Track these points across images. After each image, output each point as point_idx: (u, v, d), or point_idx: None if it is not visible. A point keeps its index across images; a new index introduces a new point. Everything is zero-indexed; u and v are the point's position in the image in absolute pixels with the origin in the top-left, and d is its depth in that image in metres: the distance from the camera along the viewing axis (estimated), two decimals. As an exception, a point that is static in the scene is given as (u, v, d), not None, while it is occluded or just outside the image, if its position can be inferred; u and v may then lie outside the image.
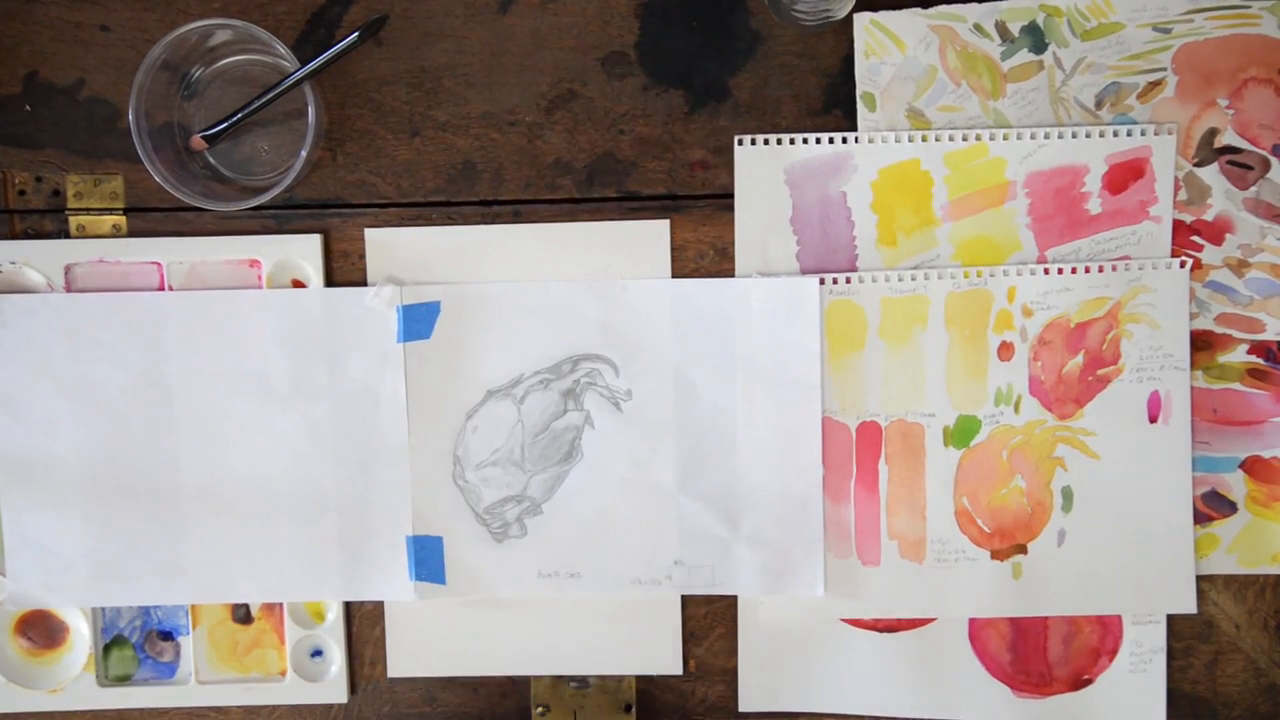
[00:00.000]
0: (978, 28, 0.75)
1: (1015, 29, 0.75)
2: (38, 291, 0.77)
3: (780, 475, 0.77)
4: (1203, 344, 0.77)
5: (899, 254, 0.77)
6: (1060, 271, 0.76)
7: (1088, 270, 0.76)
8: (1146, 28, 0.75)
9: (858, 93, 0.76)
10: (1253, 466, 0.77)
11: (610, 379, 0.78)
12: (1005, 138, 0.75)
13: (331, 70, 0.76)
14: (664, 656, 0.79)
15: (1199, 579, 0.78)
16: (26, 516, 0.78)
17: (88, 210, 0.78)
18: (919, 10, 0.75)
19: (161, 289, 0.78)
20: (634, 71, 0.77)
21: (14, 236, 0.78)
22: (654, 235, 0.77)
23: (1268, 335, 0.77)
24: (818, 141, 0.76)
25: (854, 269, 0.77)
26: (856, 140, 0.76)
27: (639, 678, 0.80)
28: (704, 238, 0.77)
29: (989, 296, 0.76)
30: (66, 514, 0.78)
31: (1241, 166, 0.76)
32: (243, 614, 0.80)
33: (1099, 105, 0.76)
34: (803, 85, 0.77)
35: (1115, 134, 0.75)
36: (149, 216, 0.78)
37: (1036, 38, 0.75)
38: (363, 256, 0.78)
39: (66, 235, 0.78)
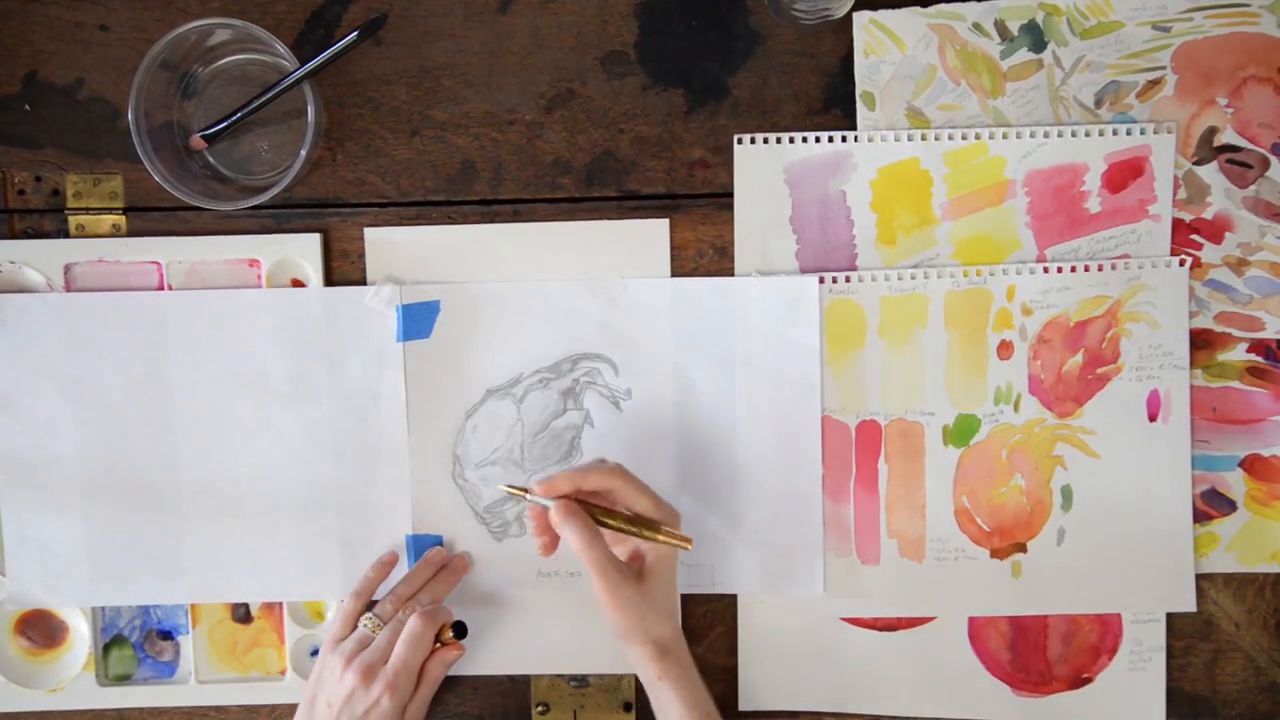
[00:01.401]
0: (977, 26, 0.75)
1: (1014, 28, 0.75)
2: (38, 291, 0.77)
3: (780, 474, 0.77)
4: (1202, 342, 0.77)
5: (898, 253, 0.77)
6: (1060, 270, 0.76)
7: (1087, 269, 0.76)
8: (1146, 26, 0.75)
9: (857, 92, 0.76)
10: (1252, 465, 0.77)
11: (610, 378, 0.78)
12: (1005, 136, 0.75)
13: (331, 70, 0.76)
14: (664, 655, 0.79)
15: (1198, 577, 0.78)
16: (26, 516, 0.78)
17: (87, 210, 0.78)
18: (918, 9, 0.75)
19: (161, 289, 0.78)
20: (634, 71, 0.77)
21: (14, 236, 0.78)
22: (654, 234, 0.77)
23: (1267, 333, 0.77)
24: (817, 140, 0.76)
25: (854, 268, 0.77)
26: (856, 139, 0.76)
27: (638, 677, 0.80)
28: (704, 237, 0.77)
29: (988, 295, 0.76)
30: (66, 514, 0.78)
31: (1241, 165, 0.76)
32: (242, 613, 0.80)
33: (1098, 104, 0.76)
34: (802, 84, 0.77)
35: (1115, 133, 0.75)
36: (149, 216, 0.78)
37: (1036, 36, 0.75)
38: (362, 256, 0.78)
39: (66, 235, 0.78)
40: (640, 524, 0.69)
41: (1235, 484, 0.78)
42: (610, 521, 0.69)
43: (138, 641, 0.80)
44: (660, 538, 0.68)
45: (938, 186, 0.76)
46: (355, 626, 0.74)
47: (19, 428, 0.77)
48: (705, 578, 0.78)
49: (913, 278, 0.76)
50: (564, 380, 0.78)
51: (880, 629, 0.79)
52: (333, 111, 0.77)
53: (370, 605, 0.75)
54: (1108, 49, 0.75)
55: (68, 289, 0.77)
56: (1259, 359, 0.77)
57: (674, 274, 0.77)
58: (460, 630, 0.73)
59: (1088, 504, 0.77)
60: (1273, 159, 0.76)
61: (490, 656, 0.79)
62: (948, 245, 0.76)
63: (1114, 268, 0.76)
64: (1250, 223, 0.76)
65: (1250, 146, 0.76)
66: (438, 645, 0.73)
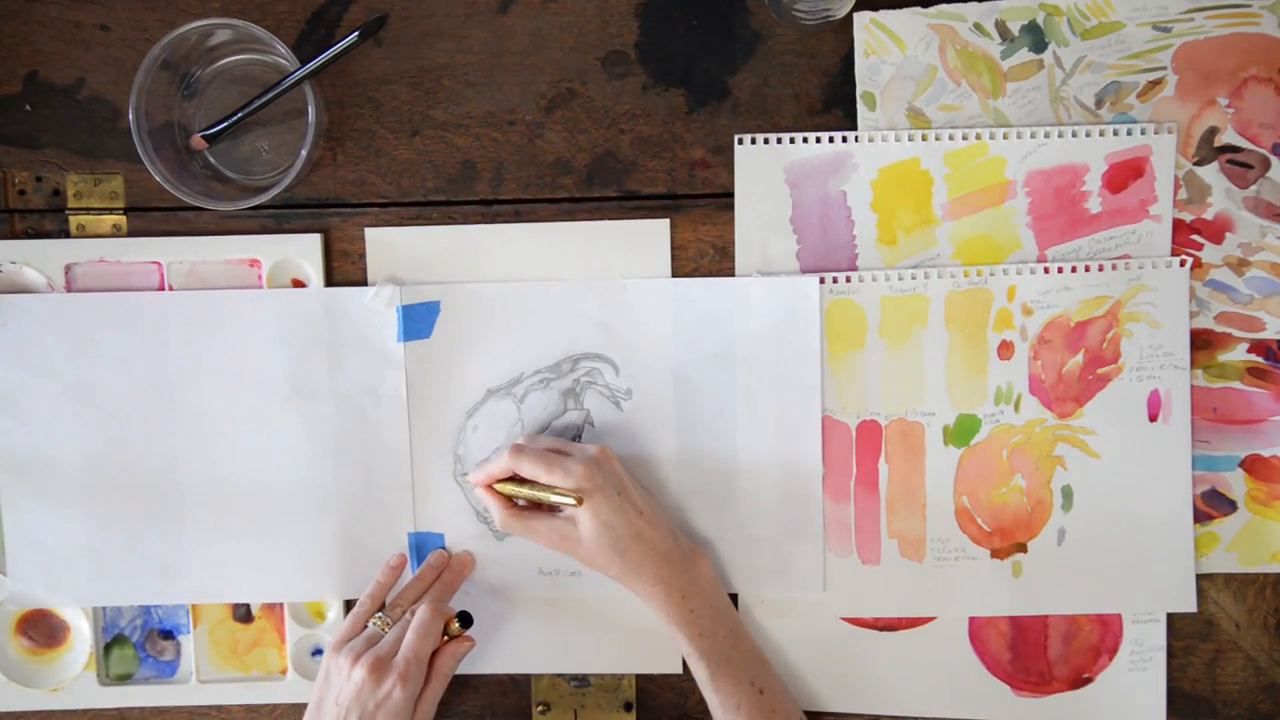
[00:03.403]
0: (978, 27, 0.75)
1: (1015, 28, 0.75)
2: (38, 291, 0.77)
3: (780, 474, 0.77)
4: (1203, 343, 0.77)
5: (899, 253, 0.77)
6: (1060, 270, 0.76)
7: (1088, 269, 0.76)
8: (1147, 26, 0.75)
9: (858, 92, 0.76)
10: (1252, 465, 0.77)
11: (610, 378, 0.78)
12: (1005, 137, 0.75)
13: (331, 70, 0.76)
14: (663, 656, 0.79)
15: (1199, 577, 0.78)
16: (28, 516, 0.78)
17: (88, 210, 0.78)
18: (919, 9, 0.75)
19: (161, 289, 0.78)
20: (634, 71, 0.77)
21: (14, 236, 0.78)
22: (654, 234, 0.77)
23: (1268, 334, 0.77)
24: (818, 141, 0.76)
25: (854, 268, 0.77)
26: (856, 139, 0.76)
27: (639, 676, 0.80)
28: (704, 237, 0.77)
29: (989, 295, 0.76)
30: (67, 514, 0.78)
31: (1241, 165, 0.76)
32: (243, 613, 0.80)
33: (1099, 104, 0.76)
34: (803, 84, 0.77)
35: (1115, 133, 0.75)
36: (149, 216, 0.78)
37: (1036, 37, 0.75)
38: (363, 256, 0.78)
39: (66, 235, 0.78)
40: (542, 490, 0.72)
41: (1236, 484, 0.78)
42: (508, 490, 0.74)
43: (139, 641, 0.80)
44: (552, 498, 0.72)
45: (938, 187, 0.76)
46: (364, 628, 0.73)
47: (20, 428, 0.77)
48: (706, 578, 0.78)
49: (913, 278, 0.76)
50: (564, 380, 0.78)
51: (880, 629, 0.79)
52: (333, 111, 0.77)
53: (379, 610, 0.75)
54: (1108, 49, 0.75)
55: (68, 289, 0.77)
56: (1259, 359, 0.77)
57: (674, 274, 0.77)
58: (466, 620, 0.73)
59: (1088, 504, 0.77)
60: (1273, 159, 0.76)
61: (491, 656, 0.79)
62: (948, 245, 0.76)
63: (1114, 268, 0.76)
64: (1251, 223, 0.76)
65: (1251, 147, 0.76)
66: (446, 639, 0.73)
